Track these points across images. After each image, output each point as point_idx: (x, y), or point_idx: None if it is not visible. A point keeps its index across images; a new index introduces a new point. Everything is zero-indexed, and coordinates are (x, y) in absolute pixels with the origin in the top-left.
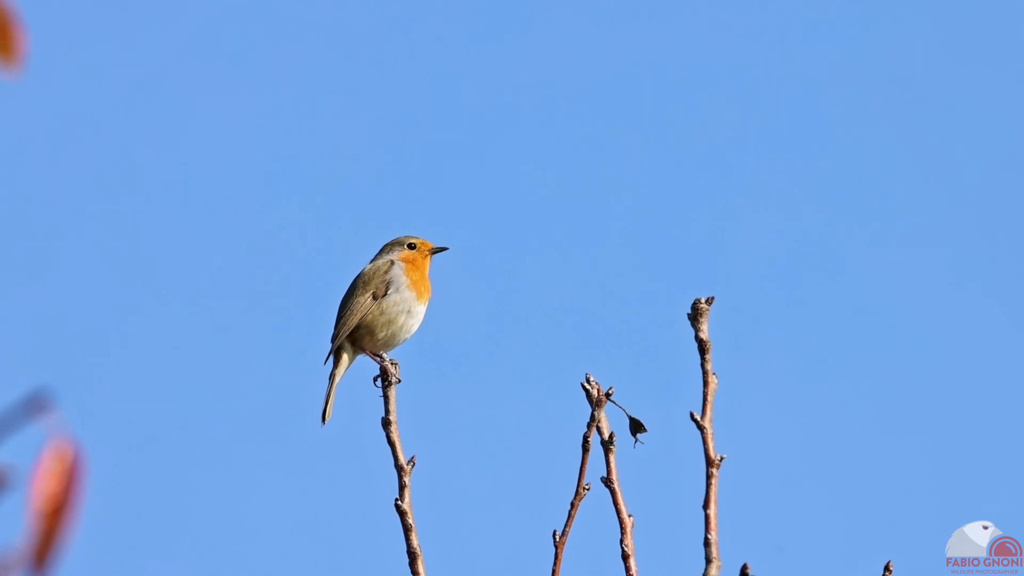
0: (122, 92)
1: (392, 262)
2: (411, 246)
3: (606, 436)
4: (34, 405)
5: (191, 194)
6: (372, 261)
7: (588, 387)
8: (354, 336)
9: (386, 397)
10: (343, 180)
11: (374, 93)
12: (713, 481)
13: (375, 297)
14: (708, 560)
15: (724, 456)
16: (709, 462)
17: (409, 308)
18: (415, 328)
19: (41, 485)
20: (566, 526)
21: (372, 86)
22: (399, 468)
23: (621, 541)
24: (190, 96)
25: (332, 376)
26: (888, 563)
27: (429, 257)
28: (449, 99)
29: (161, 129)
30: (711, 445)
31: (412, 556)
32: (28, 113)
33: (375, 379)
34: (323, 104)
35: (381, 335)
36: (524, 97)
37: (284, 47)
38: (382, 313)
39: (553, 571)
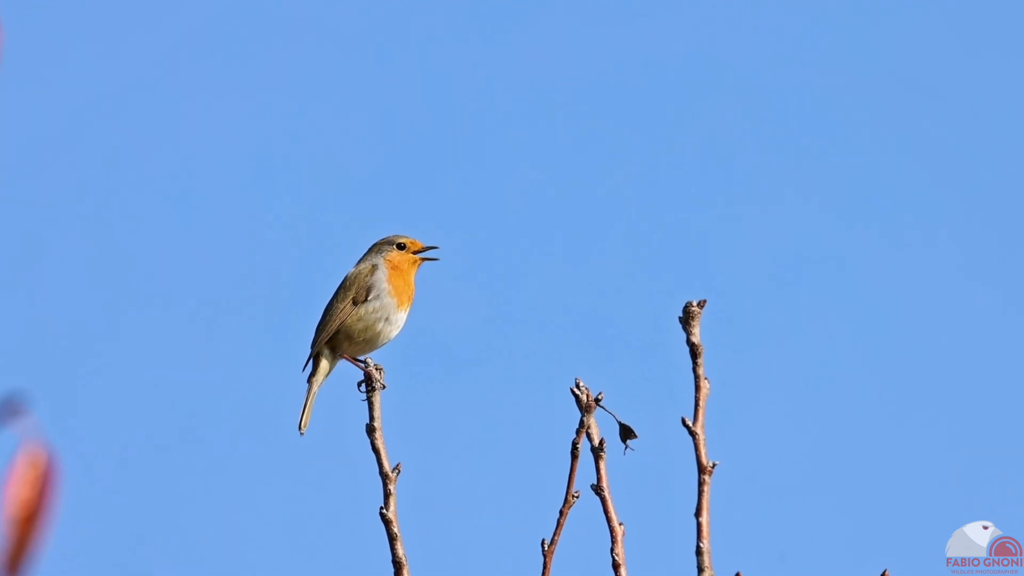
0: (109, 91)
1: (375, 266)
2: (400, 246)
3: (596, 442)
4: (8, 409)
5: (171, 194)
6: (359, 262)
7: (577, 392)
8: (333, 342)
9: (370, 403)
10: (333, 180)
11: (365, 92)
12: (705, 488)
13: (355, 302)
14: (700, 569)
15: (717, 463)
16: (701, 469)
17: (388, 315)
18: (393, 335)
19: (14, 491)
20: (555, 535)
21: (363, 85)
22: (384, 476)
23: (612, 550)
24: (175, 94)
25: (310, 383)
26: (884, 571)
27: (419, 259)
28: (444, 97)
29: (146, 128)
30: (703, 451)
31: (397, 566)
32: (17, 112)
33: (359, 384)
34: (310, 103)
35: (359, 340)
36: (520, 95)
37: (271, 45)
38: (360, 319)
39: None
